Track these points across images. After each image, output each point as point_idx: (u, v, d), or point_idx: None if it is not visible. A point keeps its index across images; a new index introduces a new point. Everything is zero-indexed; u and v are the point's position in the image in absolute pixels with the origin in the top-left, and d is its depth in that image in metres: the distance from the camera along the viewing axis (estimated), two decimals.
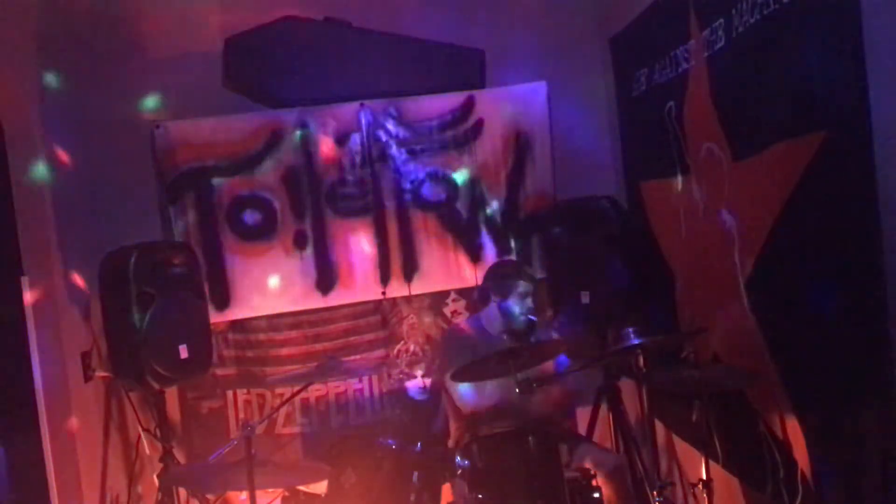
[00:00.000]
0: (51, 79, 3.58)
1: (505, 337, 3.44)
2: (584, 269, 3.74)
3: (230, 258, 3.95)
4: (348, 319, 4.11)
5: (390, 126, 4.05)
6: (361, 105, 4.02)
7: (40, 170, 3.35)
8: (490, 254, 4.12)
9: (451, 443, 3.44)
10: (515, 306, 3.42)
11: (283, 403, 3.75)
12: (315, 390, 4.03)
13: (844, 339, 2.31)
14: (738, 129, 2.82)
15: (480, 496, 2.81)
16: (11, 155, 3.01)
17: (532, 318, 3.43)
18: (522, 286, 3.43)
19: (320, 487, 3.02)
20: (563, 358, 3.47)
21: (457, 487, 2.99)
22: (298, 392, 3.64)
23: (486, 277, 3.60)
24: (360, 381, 4.12)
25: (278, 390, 4.00)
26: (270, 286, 4.00)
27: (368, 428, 4.04)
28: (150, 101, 3.97)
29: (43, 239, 3.31)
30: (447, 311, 4.17)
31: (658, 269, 3.71)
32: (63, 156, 3.63)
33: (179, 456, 3.73)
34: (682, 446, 3.81)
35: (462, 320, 4.02)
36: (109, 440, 3.66)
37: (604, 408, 3.78)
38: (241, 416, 3.98)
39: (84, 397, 3.47)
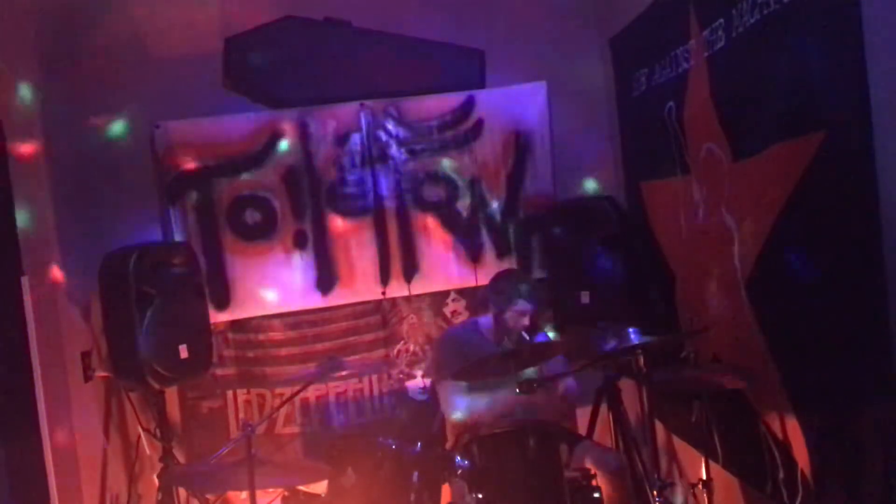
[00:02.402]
0: (51, 79, 3.58)
1: (505, 339, 3.43)
2: (584, 269, 3.74)
3: (230, 258, 3.95)
4: (348, 319, 4.11)
5: (390, 126, 4.05)
6: (361, 105, 4.02)
7: (40, 170, 3.35)
8: (490, 254, 4.12)
9: (448, 444, 3.43)
10: (510, 321, 3.38)
11: (283, 403, 3.75)
12: (315, 390, 4.03)
13: (844, 339, 2.31)
14: (738, 129, 2.82)
15: (480, 496, 2.81)
16: (12, 154, 3.01)
17: (525, 336, 3.38)
18: (521, 304, 3.36)
19: (320, 487, 3.02)
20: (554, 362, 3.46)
21: (457, 487, 2.99)
22: (298, 392, 3.64)
23: (490, 285, 3.59)
24: (360, 381, 4.12)
25: (278, 390, 4.00)
26: (270, 286, 4.00)
27: (368, 428, 4.04)
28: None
29: (43, 239, 3.31)
30: (447, 311, 4.16)
31: (658, 268, 3.71)
32: (63, 156, 3.63)
33: (179, 456, 3.73)
34: (681, 446, 3.81)
35: (458, 323, 4.02)
36: (109, 440, 3.66)
37: (604, 408, 3.78)
38: (241, 416, 3.98)
39: (84, 397, 3.47)
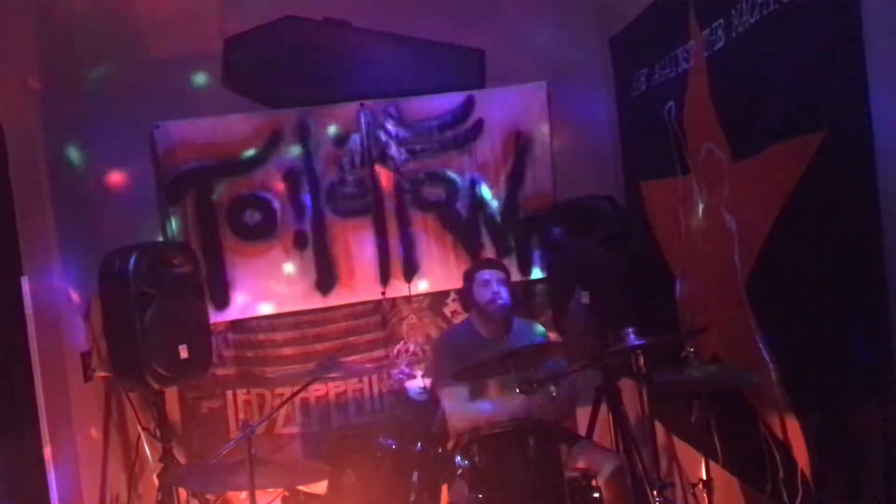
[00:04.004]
0: (50, 79, 3.58)
1: (505, 338, 3.43)
2: (584, 269, 3.74)
3: (230, 258, 3.96)
4: (348, 319, 4.11)
5: (390, 126, 4.05)
6: (361, 105, 4.02)
7: (40, 170, 3.35)
8: (490, 254, 4.12)
9: (449, 445, 3.43)
10: (483, 296, 3.44)
11: (283, 403, 3.75)
12: (315, 390, 4.03)
13: (844, 338, 2.31)
14: (738, 129, 2.82)
15: (480, 496, 2.81)
16: (11, 155, 3.01)
17: (502, 302, 3.43)
18: (485, 275, 3.46)
19: (320, 487, 3.01)
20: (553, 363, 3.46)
21: (457, 487, 2.99)
22: (298, 392, 3.64)
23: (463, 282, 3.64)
24: (360, 381, 4.12)
25: (278, 390, 4.01)
26: (270, 286, 4.00)
27: (368, 428, 4.04)
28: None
29: (43, 239, 3.31)
30: (447, 311, 4.17)
31: (658, 269, 3.71)
32: (62, 155, 3.63)
33: (179, 456, 3.73)
34: (681, 446, 3.81)
35: (455, 324, 4.03)
36: (109, 440, 3.66)
37: (604, 408, 3.78)
38: (241, 416, 3.98)
39: (84, 397, 3.47)
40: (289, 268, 4.02)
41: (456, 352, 3.37)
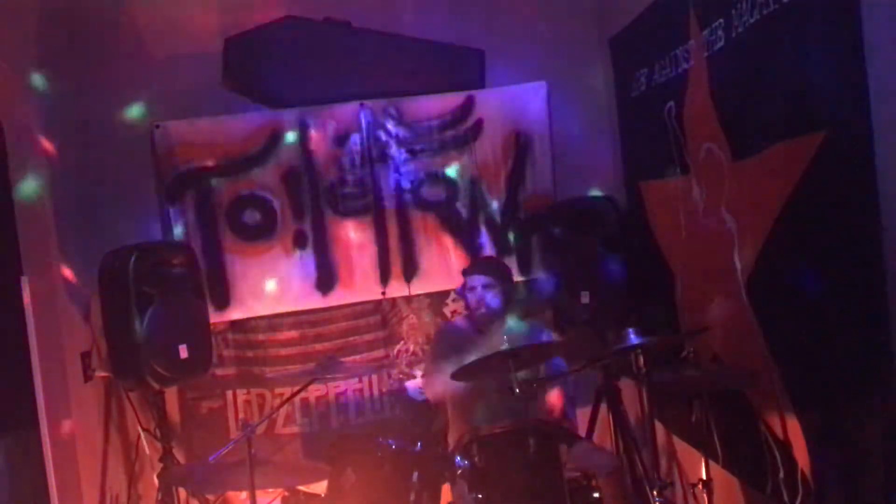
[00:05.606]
0: (50, 79, 3.58)
1: (505, 337, 3.44)
2: (584, 269, 3.74)
3: (230, 258, 3.96)
4: (348, 319, 4.11)
5: (390, 126, 4.05)
6: (361, 105, 4.02)
7: (40, 170, 3.35)
8: (490, 254, 4.12)
9: (449, 447, 3.43)
10: (470, 301, 3.51)
11: (283, 403, 3.75)
12: (315, 390, 4.03)
13: (844, 339, 2.31)
14: (738, 129, 2.82)
15: (480, 496, 2.81)
16: (11, 155, 3.01)
17: (486, 309, 3.45)
18: (472, 280, 3.50)
19: (320, 487, 3.02)
20: (557, 360, 3.48)
21: (457, 487, 2.99)
22: (298, 392, 3.64)
23: None
24: (360, 381, 4.12)
25: (278, 390, 4.01)
26: (270, 286, 4.00)
27: (368, 428, 4.04)
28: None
29: (43, 239, 3.31)
30: (447, 311, 4.17)
31: (658, 269, 3.71)
32: (62, 156, 3.63)
33: (179, 456, 3.73)
34: (681, 446, 3.81)
35: (459, 316, 4.03)
36: (109, 440, 3.66)
37: (604, 408, 3.79)
38: (241, 416, 3.98)
39: (84, 397, 3.47)
40: (289, 268, 4.01)
41: (452, 344, 3.40)
